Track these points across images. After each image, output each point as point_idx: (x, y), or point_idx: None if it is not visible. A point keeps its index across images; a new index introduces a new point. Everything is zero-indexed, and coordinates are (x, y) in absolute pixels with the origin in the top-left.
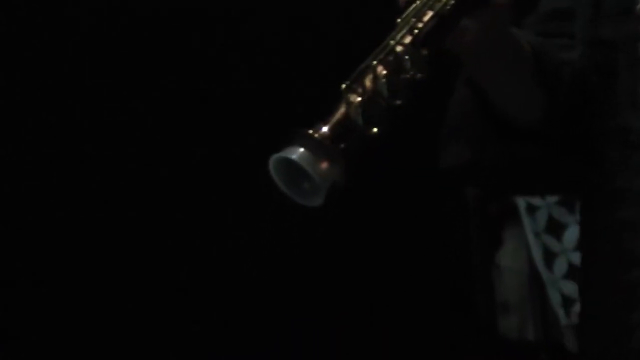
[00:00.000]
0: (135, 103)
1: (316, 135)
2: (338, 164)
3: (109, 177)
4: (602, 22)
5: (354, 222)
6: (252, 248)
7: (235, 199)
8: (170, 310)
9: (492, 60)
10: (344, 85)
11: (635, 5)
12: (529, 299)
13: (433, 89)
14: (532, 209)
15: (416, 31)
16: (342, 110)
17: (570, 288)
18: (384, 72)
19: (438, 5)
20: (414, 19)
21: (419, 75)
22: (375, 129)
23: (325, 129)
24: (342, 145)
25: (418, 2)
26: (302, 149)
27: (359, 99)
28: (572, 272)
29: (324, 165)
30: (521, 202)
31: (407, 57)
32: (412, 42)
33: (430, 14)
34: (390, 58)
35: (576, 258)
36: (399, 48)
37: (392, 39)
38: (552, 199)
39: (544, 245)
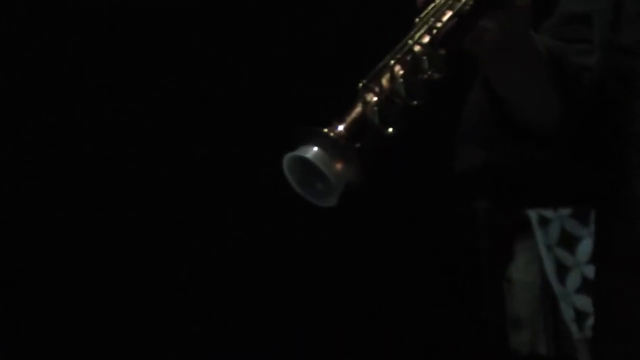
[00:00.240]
0: (135, 103)
1: (332, 134)
2: (353, 164)
3: (109, 177)
4: (621, 28)
5: (358, 230)
6: (252, 248)
7: (235, 199)
8: (170, 310)
9: (509, 62)
10: (360, 84)
11: None
12: (541, 314)
13: (448, 90)
14: (544, 222)
15: (435, 31)
16: (358, 109)
17: (583, 302)
18: (402, 71)
19: (457, 5)
20: (432, 19)
21: (436, 75)
22: (391, 129)
23: (340, 127)
24: (358, 145)
25: (437, 1)
26: (317, 148)
27: (376, 98)
28: (585, 286)
29: (339, 165)
30: (533, 214)
31: (425, 57)
32: (430, 42)
33: (449, 13)
34: (408, 58)
35: (590, 271)
36: (417, 48)
37: (411, 39)
38: (565, 211)
39: (556, 259)
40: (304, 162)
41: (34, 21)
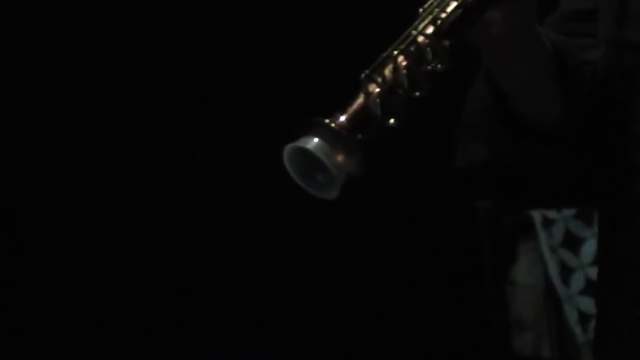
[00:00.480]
0: (135, 103)
1: (333, 124)
2: (355, 155)
3: (109, 177)
4: (627, 24)
5: (358, 230)
6: (252, 248)
7: (235, 199)
8: (170, 310)
9: (513, 55)
10: (363, 75)
11: None
12: (545, 316)
13: (449, 84)
14: (548, 223)
15: (439, 22)
16: (360, 100)
17: (588, 304)
18: (405, 62)
19: None
20: (437, 9)
21: (440, 67)
22: (393, 121)
23: (342, 118)
24: (360, 136)
25: None
26: (318, 139)
27: (378, 89)
28: (589, 288)
29: (341, 156)
30: (537, 215)
31: (429, 48)
32: (434, 33)
33: (454, 4)
34: (412, 48)
35: (594, 273)
36: (420, 38)
37: (414, 29)
38: (569, 212)
39: (560, 260)
40: (305, 153)
41: (34, 21)
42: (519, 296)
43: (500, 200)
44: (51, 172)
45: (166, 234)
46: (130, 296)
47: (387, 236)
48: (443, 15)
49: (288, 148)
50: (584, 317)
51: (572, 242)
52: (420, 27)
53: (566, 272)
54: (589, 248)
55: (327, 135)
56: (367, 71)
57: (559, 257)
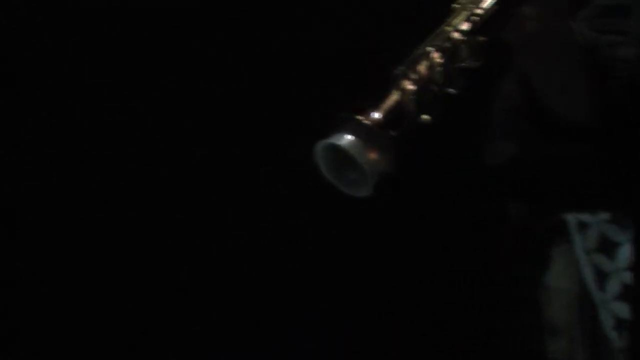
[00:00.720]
0: (135, 103)
1: (366, 121)
2: (388, 152)
3: (109, 177)
4: None
5: (382, 231)
6: (252, 248)
7: (236, 199)
8: (170, 310)
9: (546, 52)
10: (397, 71)
11: None
12: (579, 321)
13: (478, 81)
14: (582, 227)
15: (474, 18)
16: (394, 96)
17: (624, 310)
18: (440, 59)
19: None
20: (472, 5)
21: (475, 63)
22: (427, 117)
23: (376, 115)
24: (393, 133)
25: None
26: (351, 136)
27: (413, 85)
28: (625, 293)
29: (374, 153)
30: (571, 219)
31: (463, 44)
32: (469, 30)
33: (489, 0)
34: (447, 45)
35: (630, 278)
36: (455, 35)
37: (449, 25)
38: (604, 216)
39: (595, 265)
40: (337, 149)
41: (34, 21)
42: (553, 301)
43: (531, 202)
44: (51, 172)
45: (166, 234)
46: (130, 296)
47: (415, 238)
48: (478, 11)
49: (320, 144)
50: (619, 323)
51: (607, 247)
52: (455, 23)
53: (601, 276)
54: (625, 253)
55: (360, 132)
56: (401, 67)
57: (594, 262)
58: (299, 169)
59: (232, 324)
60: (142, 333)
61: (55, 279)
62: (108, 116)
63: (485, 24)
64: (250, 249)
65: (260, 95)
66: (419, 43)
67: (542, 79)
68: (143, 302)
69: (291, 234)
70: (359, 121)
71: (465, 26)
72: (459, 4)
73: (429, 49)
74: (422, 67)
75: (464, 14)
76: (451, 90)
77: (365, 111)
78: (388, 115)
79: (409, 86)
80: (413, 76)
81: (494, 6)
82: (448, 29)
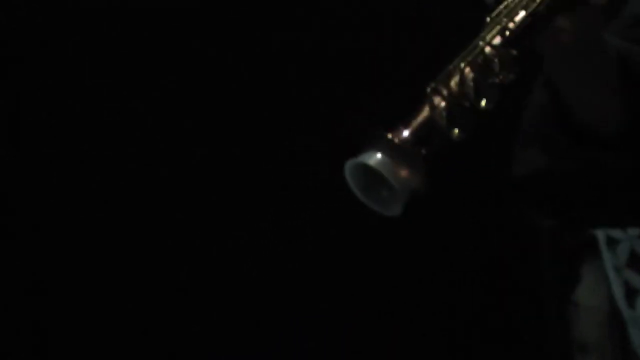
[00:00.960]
0: (135, 103)
1: (396, 139)
2: (419, 170)
3: (109, 177)
4: None
5: (406, 242)
6: (253, 248)
7: (236, 199)
8: (170, 310)
9: (579, 63)
10: (429, 88)
11: None
12: (609, 339)
13: (508, 90)
14: (612, 242)
15: (507, 33)
16: (425, 113)
17: None
18: (472, 74)
19: (532, 5)
20: (505, 19)
21: (508, 77)
22: (460, 133)
23: (406, 132)
24: (424, 151)
25: (510, 1)
26: (381, 154)
27: (445, 102)
28: None
29: (404, 171)
30: (601, 234)
31: (496, 59)
32: (502, 44)
33: (522, 13)
34: (479, 60)
35: None
36: (488, 49)
37: (482, 40)
38: (635, 231)
39: (625, 281)
40: (367, 168)
41: (34, 21)
42: (582, 318)
43: (560, 215)
44: (51, 172)
45: (166, 234)
46: (130, 296)
47: (444, 252)
48: (511, 25)
49: (349, 163)
50: None
51: (638, 263)
52: (488, 37)
53: (631, 293)
54: None
55: (390, 150)
56: (432, 84)
57: (624, 278)
58: (299, 169)
59: (232, 324)
60: (142, 333)
61: (55, 279)
62: (108, 116)
63: (518, 37)
64: (250, 249)
65: (261, 95)
66: (451, 58)
67: (573, 89)
68: (143, 302)
69: (291, 234)
70: (389, 139)
71: (497, 40)
72: (492, 17)
73: (462, 64)
74: (454, 83)
75: (498, 28)
76: (484, 105)
77: (396, 128)
78: (418, 132)
79: (440, 102)
80: (444, 92)
81: (527, 19)
82: (481, 44)
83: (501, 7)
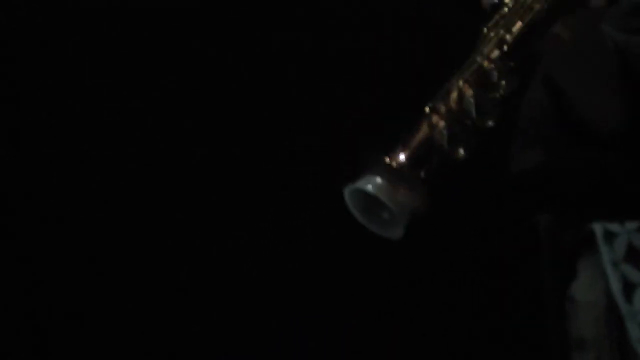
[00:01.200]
0: (135, 103)
1: (394, 163)
2: (418, 192)
3: (109, 177)
4: None
5: (404, 243)
6: (253, 248)
7: (236, 199)
8: (170, 310)
9: (575, 56)
10: (427, 108)
11: None
12: (607, 334)
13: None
14: (610, 237)
15: (505, 46)
16: (424, 133)
17: None
18: (471, 90)
19: (529, 15)
20: (502, 30)
21: (508, 90)
22: (462, 152)
23: (403, 156)
24: (423, 172)
25: (506, 10)
26: (379, 179)
27: (444, 121)
28: None
29: (403, 195)
30: (598, 228)
31: (495, 72)
32: (500, 57)
33: (519, 24)
34: (478, 75)
35: None
36: (486, 64)
37: (479, 54)
38: (632, 225)
39: (623, 276)
40: (366, 194)
41: (34, 21)
42: (580, 314)
43: (558, 211)
44: (51, 172)
45: (166, 234)
46: (130, 296)
47: (442, 249)
48: (508, 37)
49: (349, 189)
50: None
51: (636, 257)
52: (486, 51)
53: (629, 288)
54: None
55: (389, 173)
56: (430, 103)
57: (622, 273)
58: (299, 169)
59: (232, 324)
60: (142, 333)
61: (55, 279)
62: (108, 116)
63: (516, 49)
64: (250, 249)
65: (260, 95)
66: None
67: (571, 84)
68: (143, 302)
69: (291, 234)
70: (387, 163)
71: (495, 53)
72: (488, 28)
73: (460, 81)
74: (453, 101)
75: (494, 40)
76: (486, 122)
77: (394, 150)
78: (417, 153)
79: (440, 121)
80: (443, 110)
81: (524, 29)
82: (478, 59)
83: (497, 16)
